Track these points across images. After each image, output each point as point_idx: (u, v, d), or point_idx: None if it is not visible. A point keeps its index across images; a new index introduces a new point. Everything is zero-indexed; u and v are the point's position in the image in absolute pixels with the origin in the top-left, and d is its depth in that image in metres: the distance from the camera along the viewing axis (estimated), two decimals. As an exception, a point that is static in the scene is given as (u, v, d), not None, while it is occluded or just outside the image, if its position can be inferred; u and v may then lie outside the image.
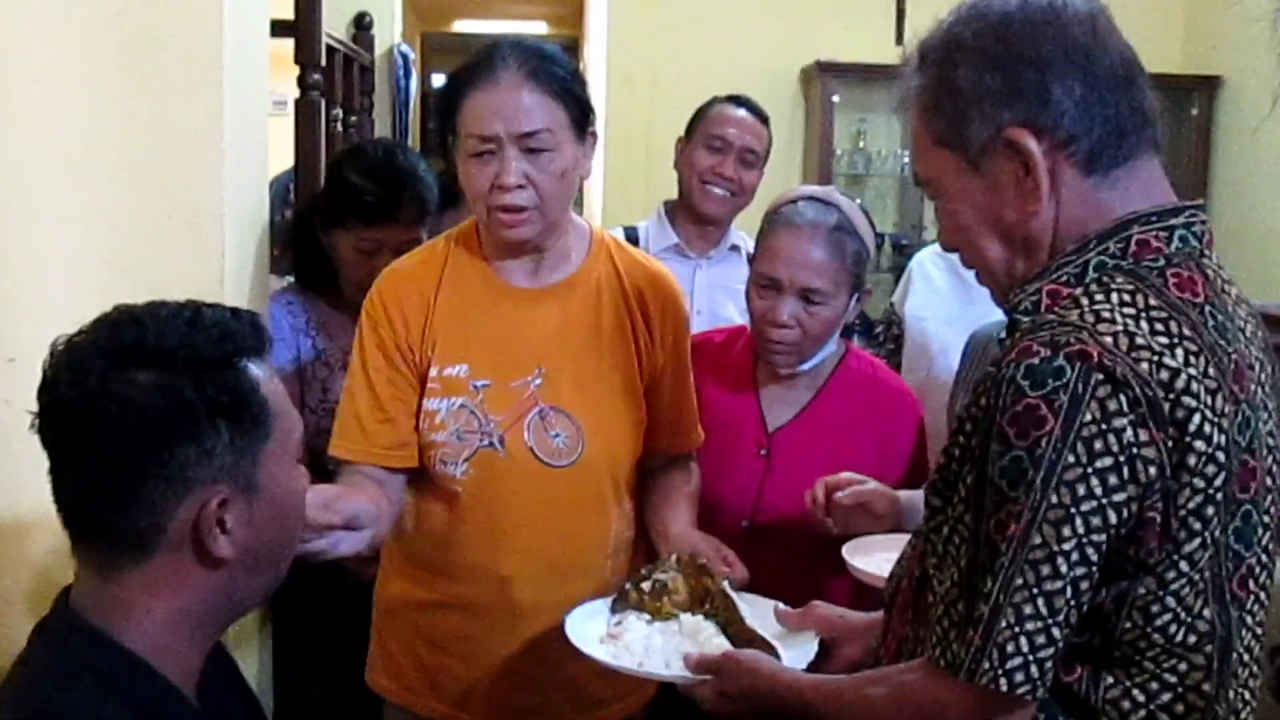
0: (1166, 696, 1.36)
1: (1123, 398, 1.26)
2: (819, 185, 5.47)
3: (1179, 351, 1.30)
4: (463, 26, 12.26)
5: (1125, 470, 1.26)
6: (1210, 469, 1.29)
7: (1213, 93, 5.55)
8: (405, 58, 5.74)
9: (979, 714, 1.35)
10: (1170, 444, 1.27)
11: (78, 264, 2.15)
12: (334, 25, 4.51)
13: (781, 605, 1.97)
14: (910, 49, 1.50)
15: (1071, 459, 1.26)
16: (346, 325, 2.61)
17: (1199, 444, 1.28)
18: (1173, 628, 1.33)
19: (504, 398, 2.14)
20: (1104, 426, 1.26)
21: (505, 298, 2.18)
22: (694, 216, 3.31)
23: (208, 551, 1.35)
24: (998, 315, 2.73)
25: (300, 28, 3.49)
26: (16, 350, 2.15)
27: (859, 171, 5.86)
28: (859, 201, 6.15)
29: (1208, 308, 1.36)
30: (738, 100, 3.34)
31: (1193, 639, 1.34)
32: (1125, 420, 1.26)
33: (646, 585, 2.00)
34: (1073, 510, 1.27)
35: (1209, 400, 1.29)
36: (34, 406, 2.12)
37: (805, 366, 2.39)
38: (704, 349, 2.46)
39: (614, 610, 2.02)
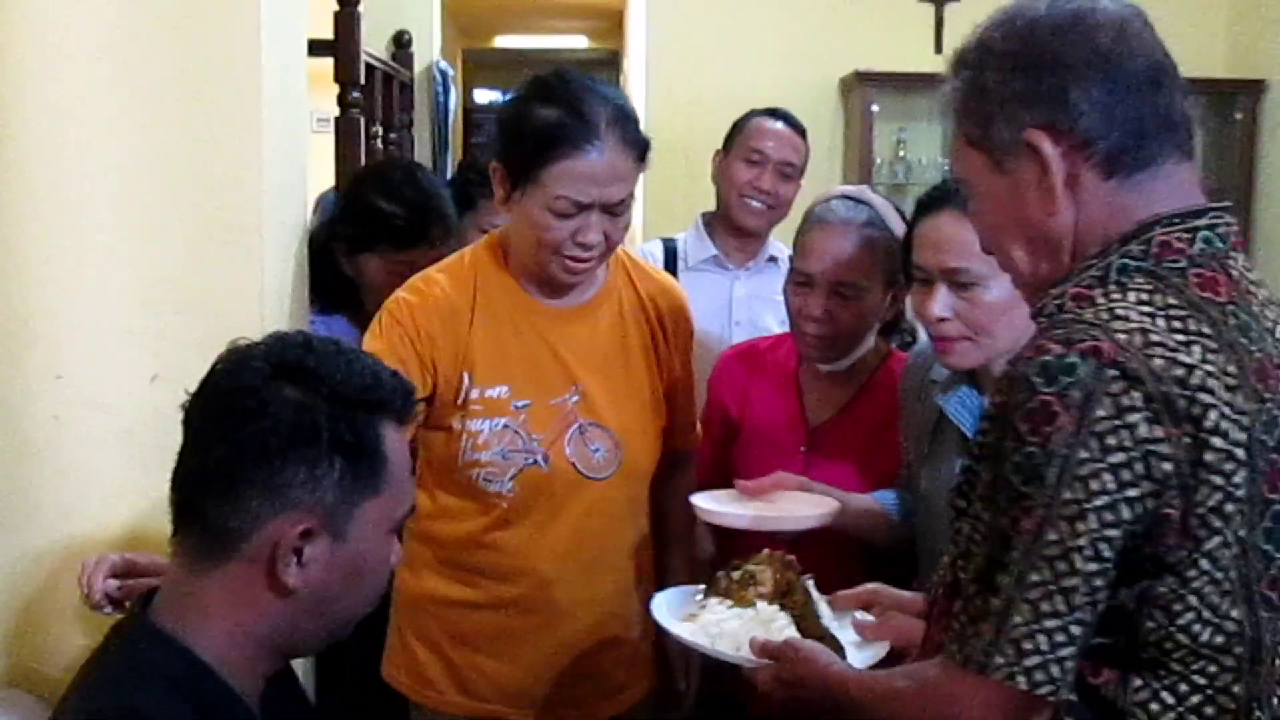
0: (1196, 699, 1.35)
1: (1136, 394, 1.27)
2: (858, 192, 5.46)
3: (1195, 348, 1.30)
4: (504, 42, 12.32)
5: (1140, 466, 1.26)
6: (1229, 466, 1.28)
7: (1257, 96, 5.50)
8: (444, 74, 5.77)
9: (995, 711, 1.34)
10: (1188, 440, 1.27)
11: (122, 282, 2.19)
12: (373, 44, 4.55)
13: (860, 614, 1.98)
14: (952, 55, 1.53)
15: (1085, 454, 1.26)
16: None
17: (1216, 440, 1.28)
18: (1196, 627, 1.32)
19: (545, 416, 2.21)
20: (1118, 422, 1.26)
21: (539, 317, 2.24)
22: (732, 229, 3.32)
23: (276, 575, 1.38)
24: None
25: (339, 47, 3.53)
26: (63, 367, 2.18)
27: (900, 181, 5.82)
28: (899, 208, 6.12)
29: (1230, 307, 1.36)
30: (775, 113, 3.34)
31: (1220, 639, 1.33)
32: (1139, 416, 1.26)
33: (736, 574, 2.05)
34: (1087, 506, 1.27)
35: (1227, 396, 1.29)
36: (81, 422, 2.18)
37: (844, 364, 2.43)
38: (751, 353, 2.58)
39: (705, 595, 2.06)
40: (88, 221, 2.18)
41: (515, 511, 2.23)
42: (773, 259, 3.34)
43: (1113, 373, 1.27)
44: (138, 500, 2.17)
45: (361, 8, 3.60)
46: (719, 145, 3.39)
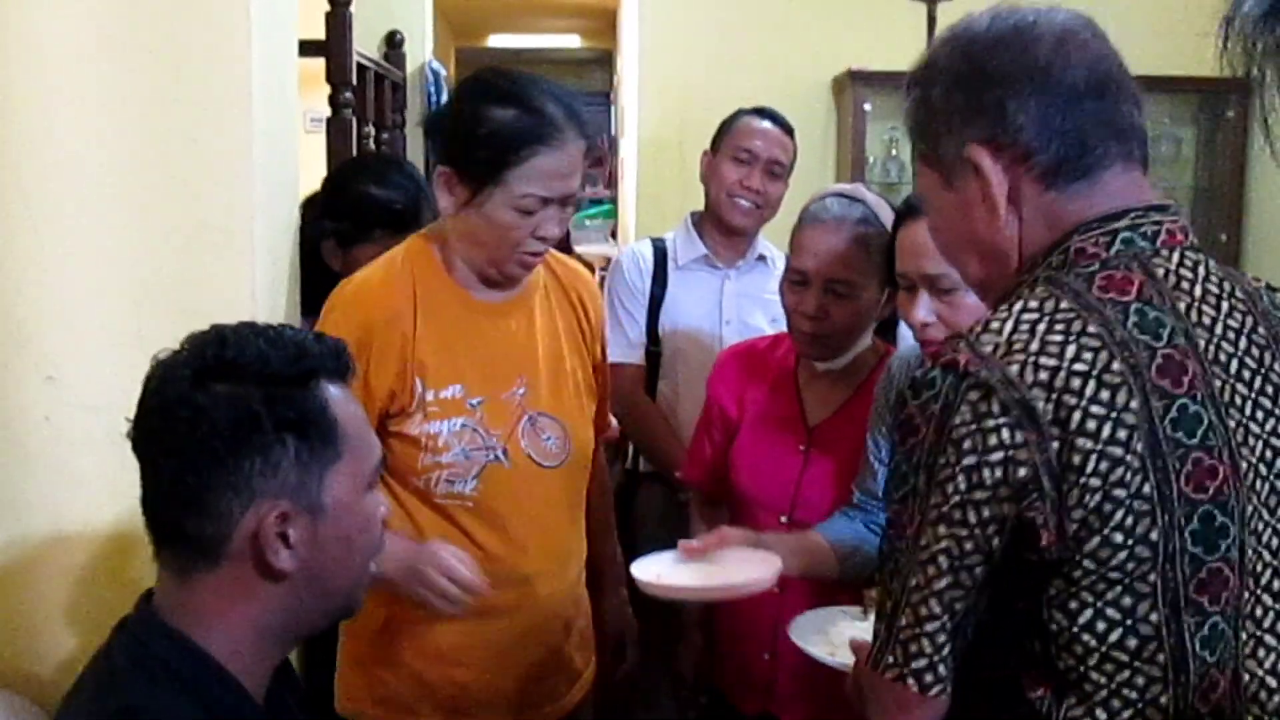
0: (1128, 714, 1.32)
1: (994, 402, 1.28)
2: (852, 193, 5.47)
3: (1069, 349, 1.30)
4: (498, 41, 12.32)
5: (998, 471, 1.28)
6: (1105, 465, 1.27)
7: (1247, 95, 5.51)
8: (436, 75, 5.77)
9: (895, 706, 1.38)
10: (1055, 444, 1.27)
11: (112, 284, 2.19)
12: (365, 44, 4.55)
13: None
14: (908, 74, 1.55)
15: (942, 460, 1.30)
16: None
17: (1084, 441, 1.27)
18: (1101, 625, 1.30)
19: (498, 411, 2.23)
20: (974, 428, 1.29)
21: (479, 314, 2.25)
22: (721, 228, 3.33)
23: (268, 563, 1.39)
24: None
25: (331, 47, 3.54)
26: (54, 369, 2.19)
27: (892, 180, 5.83)
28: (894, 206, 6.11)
29: (1135, 305, 1.34)
30: (763, 112, 3.34)
31: (1133, 642, 1.31)
32: (998, 422, 1.28)
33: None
34: (946, 509, 1.30)
35: (1104, 396, 1.27)
36: (72, 424, 2.18)
37: (841, 362, 2.44)
38: (749, 354, 2.60)
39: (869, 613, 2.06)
40: (79, 224, 2.18)
41: (482, 511, 2.23)
42: (762, 258, 3.35)
43: (968, 383, 1.30)
44: (130, 502, 2.15)
45: (353, 8, 3.61)
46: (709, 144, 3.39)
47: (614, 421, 2.87)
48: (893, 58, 5.48)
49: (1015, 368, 1.29)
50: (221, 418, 1.36)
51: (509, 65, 2.28)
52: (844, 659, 1.86)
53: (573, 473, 2.34)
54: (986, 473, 1.28)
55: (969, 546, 1.31)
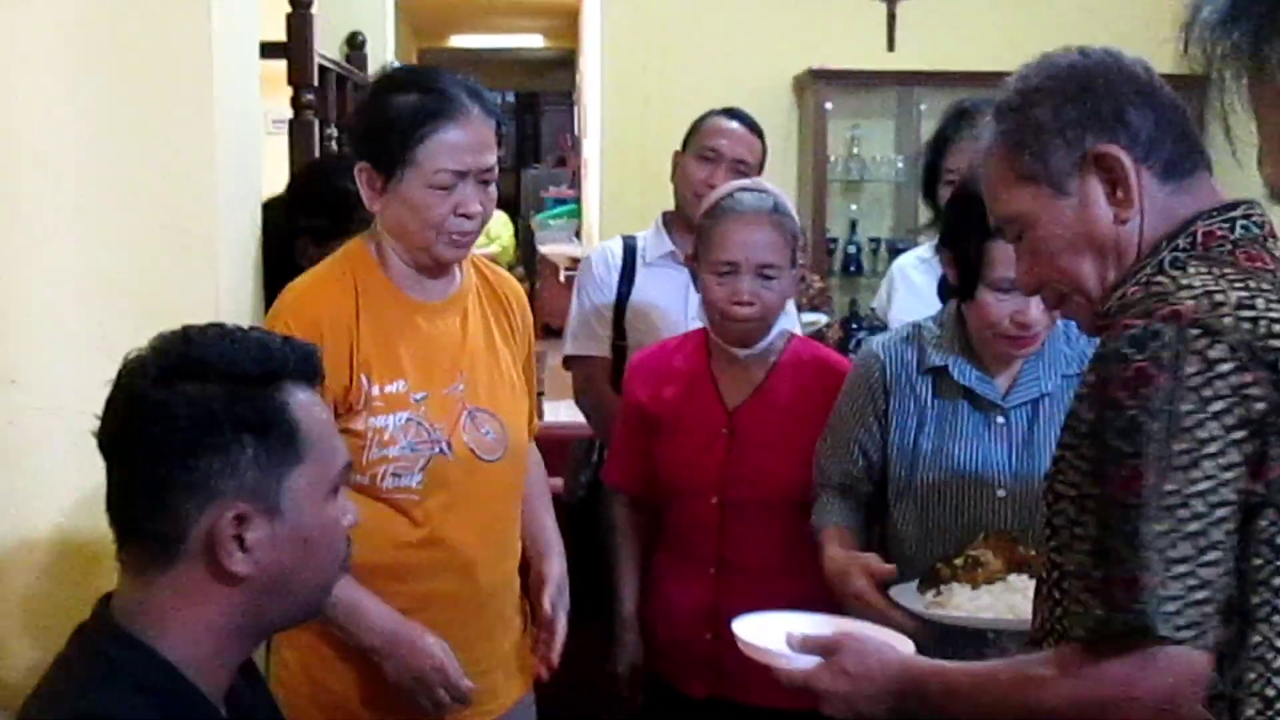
0: None
1: (1221, 346, 1.36)
2: (815, 192, 5.53)
3: (1259, 301, 1.40)
4: (460, 41, 12.32)
5: (1239, 410, 1.35)
6: None
7: (1201, 92, 5.58)
8: (399, 75, 5.79)
9: (1145, 675, 1.38)
10: (1270, 383, 1.35)
11: (75, 286, 2.19)
12: (326, 45, 4.54)
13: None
14: (984, 115, 1.68)
15: (1187, 407, 1.35)
16: None
17: None
18: None
19: (440, 406, 2.27)
20: (1210, 374, 1.36)
21: (418, 313, 2.30)
22: (690, 227, 3.34)
23: (222, 564, 1.38)
24: None
25: (292, 49, 3.52)
26: (17, 373, 2.18)
27: (854, 178, 5.88)
28: (855, 207, 6.18)
29: (1278, 274, 1.46)
30: (731, 113, 3.37)
31: None
32: (1228, 366, 1.35)
33: (959, 561, 2.10)
34: (1199, 454, 1.35)
35: None
36: (35, 428, 2.17)
37: (760, 347, 2.57)
38: (659, 354, 2.73)
39: (925, 586, 2.11)
40: (42, 227, 2.17)
41: (428, 504, 2.26)
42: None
43: (1195, 331, 1.37)
44: (94, 507, 2.15)
45: (314, 9, 3.60)
46: (674, 144, 3.41)
47: None
48: (853, 57, 5.57)
49: (1229, 319, 1.38)
50: (181, 415, 1.36)
51: (409, 64, 2.31)
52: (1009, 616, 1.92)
53: (511, 466, 2.39)
54: (1238, 412, 1.35)
55: (1228, 488, 1.35)
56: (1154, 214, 1.53)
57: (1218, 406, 1.35)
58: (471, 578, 2.31)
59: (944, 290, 2.60)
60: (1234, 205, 1.53)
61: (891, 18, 5.64)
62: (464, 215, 2.21)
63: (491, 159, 2.24)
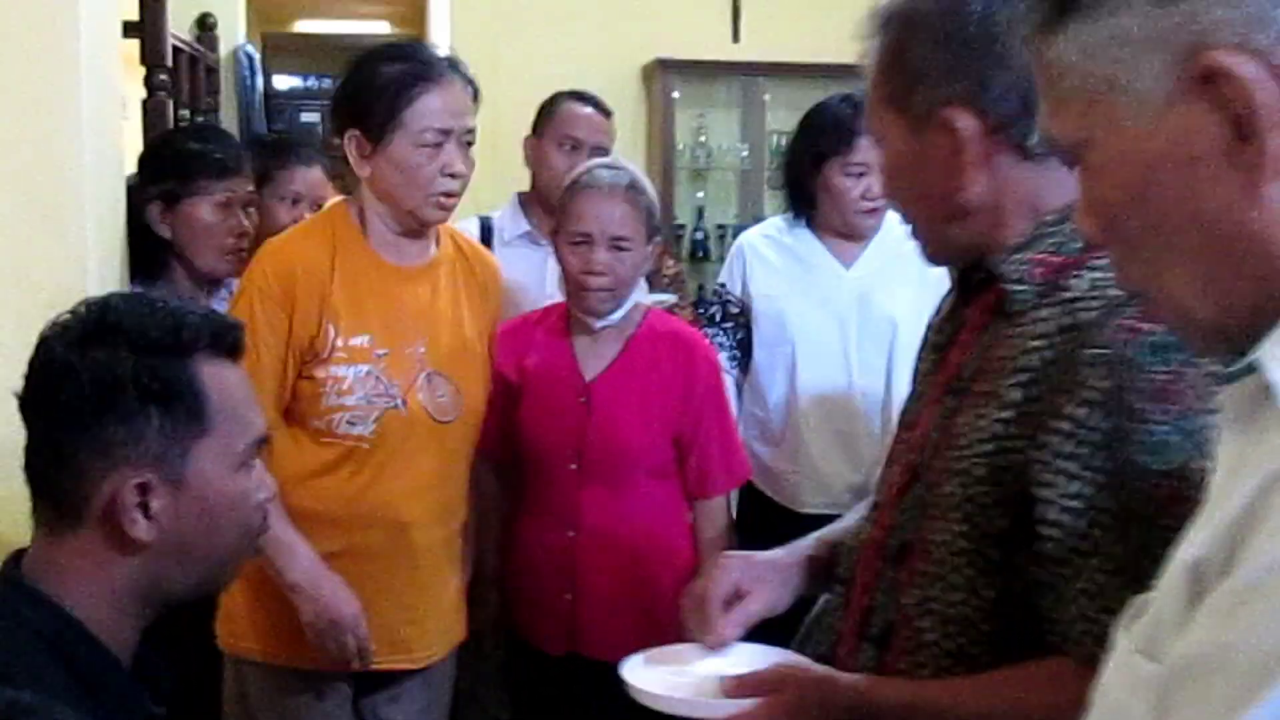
0: None
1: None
2: (662, 179, 5.63)
3: None
4: (304, 26, 12.16)
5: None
6: None
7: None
8: (250, 58, 5.75)
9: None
10: None
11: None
12: (178, 26, 4.52)
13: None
14: (873, 8, 1.52)
15: (1207, 424, 1.24)
16: (202, 300, 2.76)
17: None
18: None
19: (400, 364, 2.41)
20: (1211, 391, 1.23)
21: (390, 276, 2.44)
22: (548, 208, 3.42)
23: (124, 531, 1.41)
24: (841, 283, 3.17)
25: (146, 28, 3.54)
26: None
27: (701, 165, 5.99)
28: (701, 194, 6.28)
29: None
30: (583, 97, 3.47)
31: None
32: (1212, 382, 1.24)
33: None
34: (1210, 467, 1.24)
35: None
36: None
37: (614, 319, 2.68)
38: (522, 326, 2.83)
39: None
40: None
41: (376, 454, 2.39)
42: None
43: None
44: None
45: (167, -10, 3.61)
46: (524, 130, 3.49)
47: None
48: (699, 47, 5.69)
49: None
50: (88, 380, 1.39)
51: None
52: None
53: (464, 430, 2.53)
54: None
55: None
56: (1018, 185, 1.45)
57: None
58: (403, 535, 2.43)
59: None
60: None
61: (736, 10, 5.76)
62: (449, 175, 2.37)
63: (472, 121, 2.44)
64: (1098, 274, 1.38)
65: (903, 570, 1.49)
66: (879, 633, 1.51)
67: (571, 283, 2.66)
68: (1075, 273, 1.41)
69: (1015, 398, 1.38)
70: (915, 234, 1.57)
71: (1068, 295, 1.40)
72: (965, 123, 1.43)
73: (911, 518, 1.49)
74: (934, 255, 1.57)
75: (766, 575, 1.72)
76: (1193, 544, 0.77)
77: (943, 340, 1.59)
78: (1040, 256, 1.44)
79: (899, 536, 1.50)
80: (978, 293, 1.53)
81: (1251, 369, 0.79)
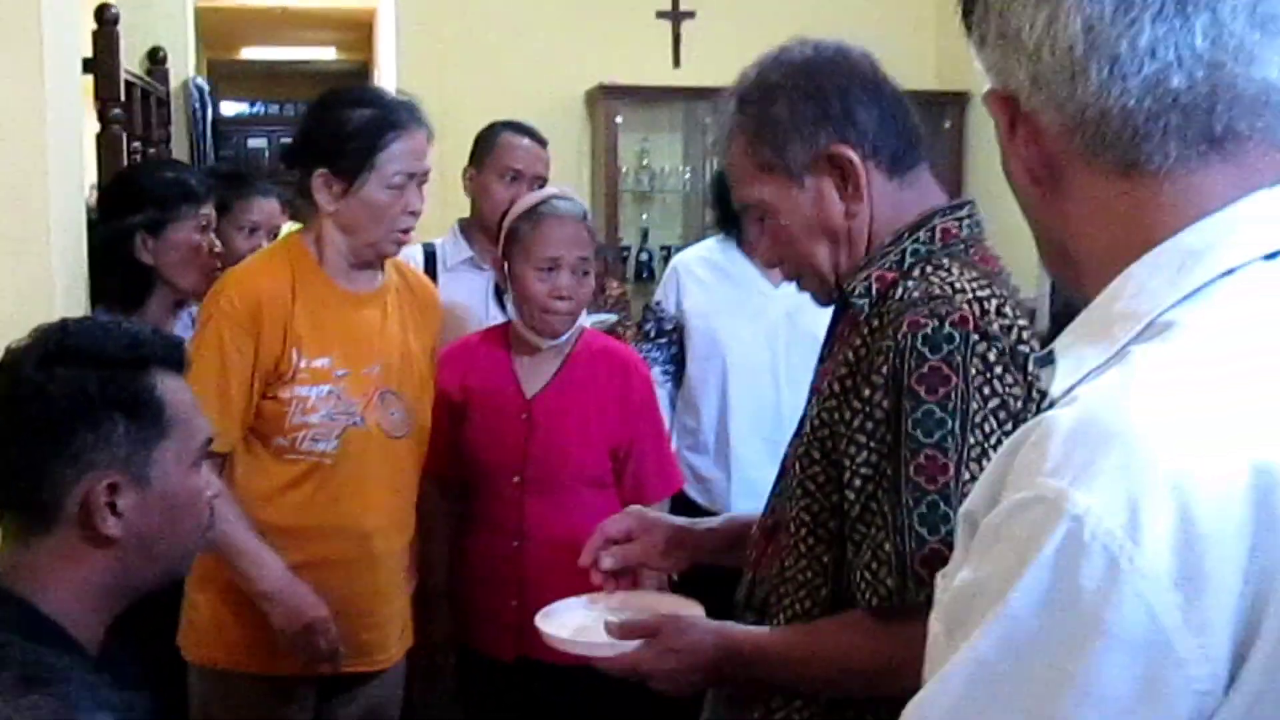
0: None
1: (994, 350, 1.52)
2: (607, 202, 5.76)
3: (1007, 308, 1.56)
4: (251, 54, 12.20)
5: (1007, 407, 1.51)
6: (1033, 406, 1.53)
7: (963, 107, 5.94)
8: (201, 90, 5.84)
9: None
10: (1024, 384, 1.52)
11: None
12: (130, 60, 4.60)
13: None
14: (725, 98, 1.74)
15: (975, 405, 1.50)
16: (175, 326, 2.99)
17: (1039, 381, 1.49)
18: None
19: (358, 384, 2.58)
20: (988, 375, 1.51)
21: (345, 302, 2.61)
22: (490, 235, 3.53)
23: (97, 529, 1.54)
24: (769, 300, 3.35)
25: (100, 64, 3.62)
26: None
27: (645, 189, 6.09)
28: (646, 217, 6.38)
29: (1001, 275, 1.63)
30: (519, 128, 3.58)
31: None
32: (1000, 368, 1.51)
33: None
34: (987, 445, 1.50)
35: (1034, 344, 1.56)
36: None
37: (563, 338, 2.83)
38: (465, 347, 2.97)
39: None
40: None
41: (339, 469, 2.54)
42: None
43: (975, 336, 1.51)
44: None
45: (118, 26, 3.69)
46: (467, 156, 3.61)
47: None
48: (641, 73, 5.82)
49: (995, 326, 1.53)
50: (59, 395, 1.53)
51: (351, 84, 2.64)
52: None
53: (414, 446, 2.71)
54: (1001, 410, 1.50)
55: None
56: (884, 206, 1.65)
57: (994, 404, 1.49)
58: (367, 543, 2.59)
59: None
60: (962, 204, 1.68)
61: (676, 37, 5.90)
62: (410, 213, 2.55)
63: (429, 163, 2.63)
64: (911, 282, 1.60)
65: (772, 545, 1.74)
66: (758, 602, 1.75)
67: (536, 306, 2.77)
68: (902, 284, 1.61)
69: (837, 389, 1.62)
70: (808, 283, 1.76)
71: (889, 303, 1.61)
72: (849, 153, 1.64)
73: (781, 502, 1.74)
74: (829, 293, 1.74)
75: (657, 529, 2.00)
76: (969, 499, 0.98)
77: (824, 353, 1.80)
78: (879, 273, 1.65)
79: (773, 518, 1.76)
80: (846, 308, 1.73)
81: (1052, 358, 1.00)
